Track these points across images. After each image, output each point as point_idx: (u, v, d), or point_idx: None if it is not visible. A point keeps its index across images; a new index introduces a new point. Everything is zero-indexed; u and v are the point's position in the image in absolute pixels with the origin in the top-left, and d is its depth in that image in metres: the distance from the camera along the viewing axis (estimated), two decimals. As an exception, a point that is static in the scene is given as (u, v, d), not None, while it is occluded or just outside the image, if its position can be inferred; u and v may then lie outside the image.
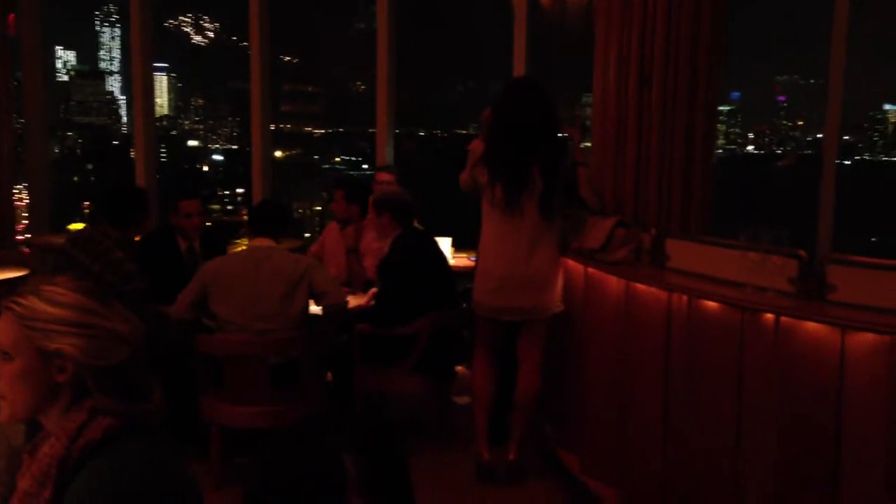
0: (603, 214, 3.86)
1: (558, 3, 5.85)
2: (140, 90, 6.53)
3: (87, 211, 6.75)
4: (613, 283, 3.47)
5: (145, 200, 4.41)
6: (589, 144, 4.28)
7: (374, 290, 4.51)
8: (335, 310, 3.89)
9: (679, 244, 3.41)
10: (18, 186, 7.26)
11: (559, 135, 3.87)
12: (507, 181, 3.75)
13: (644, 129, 3.89)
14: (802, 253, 2.79)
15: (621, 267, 3.51)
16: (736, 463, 2.87)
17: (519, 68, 5.55)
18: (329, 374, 4.40)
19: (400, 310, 4.12)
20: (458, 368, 4.71)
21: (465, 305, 4.39)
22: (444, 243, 5.30)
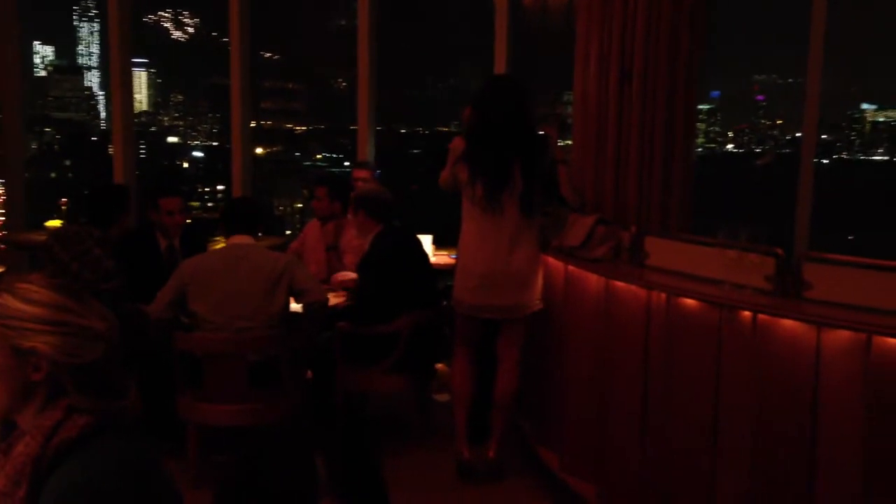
0: (583, 212, 3.87)
1: (539, 1, 5.86)
2: (118, 86, 6.47)
3: (64, 207, 6.69)
4: (593, 280, 3.49)
5: (127, 198, 4.38)
6: (569, 142, 4.29)
7: (344, 275, 4.53)
8: (316, 307, 3.88)
9: (658, 242, 3.42)
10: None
11: (539, 132, 3.88)
12: (488, 179, 3.75)
13: (624, 127, 3.91)
14: (779, 251, 2.81)
15: (601, 265, 3.53)
16: (713, 459, 2.89)
17: (500, 66, 5.55)
18: (309, 373, 4.39)
19: (381, 308, 4.12)
20: (439, 366, 4.71)
21: (445, 303, 4.39)
22: (425, 241, 5.29)
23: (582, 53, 4.08)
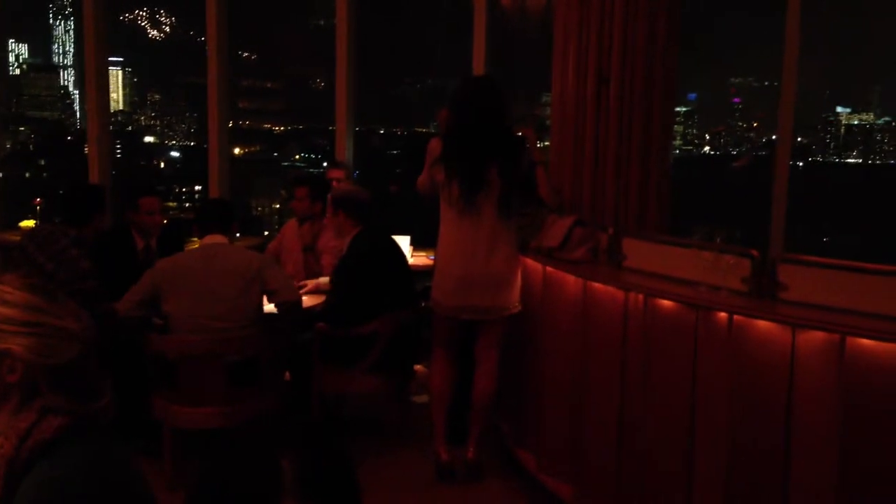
0: (561, 213, 3.89)
1: (518, 2, 5.87)
2: (94, 85, 6.42)
3: (38, 207, 6.62)
4: (571, 281, 3.50)
5: (102, 198, 4.35)
6: (547, 143, 4.31)
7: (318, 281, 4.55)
8: (287, 308, 3.86)
9: (636, 243, 3.44)
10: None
11: (517, 133, 3.88)
12: (464, 180, 3.75)
13: (602, 128, 3.93)
14: (755, 252, 2.83)
15: (579, 266, 3.54)
16: (690, 459, 2.91)
17: (478, 66, 5.56)
18: (287, 374, 4.37)
19: (359, 309, 4.11)
20: (417, 368, 4.71)
21: (424, 304, 4.39)
22: (403, 242, 5.29)
23: (560, 55, 4.09)
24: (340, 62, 5.99)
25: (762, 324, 2.63)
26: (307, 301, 4.33)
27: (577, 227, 3.69)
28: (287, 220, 5.46)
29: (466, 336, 3.96)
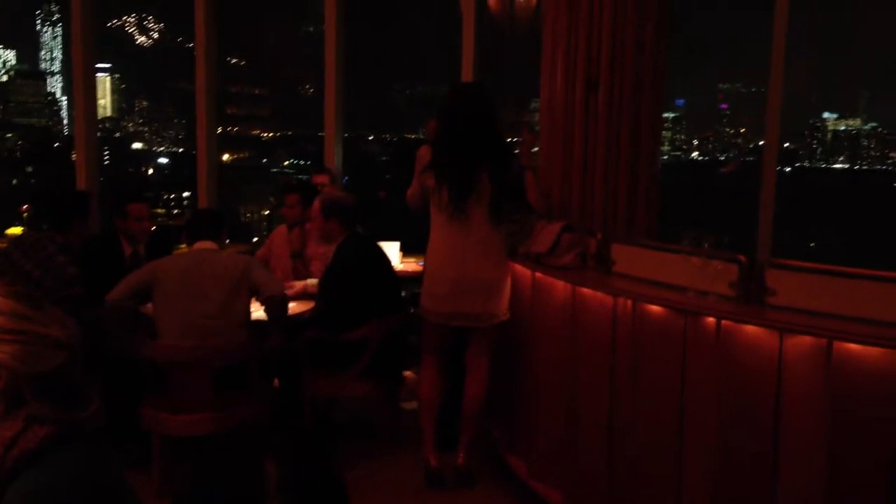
0: (550, 219, 3.89)
1: (506, 8, 5.89)
2: (82, 91, 6.39)
3: (25, 214, 6.59)
4: (560, 287, 3.50)
5: (87, 204, 4.35)
6: (535, 149, 4.31)
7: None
8: (273, 301, 3.85)
9: (624, 249, 3.45)
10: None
11: (507, 139, 3.89)
12: (453, 185, 3.75)
13: (590, 134, 3.94)
14: (742, 258, 2.84)
15: (568, 272, 3.54)
16: (679, 463, 2.92)
17: (467, 73, 5.57)
18: (276, 380, 4.35)
19: (348, 315, 4.10)
20: (407, 374, 4.70)
21: (413, 310, 4.38)
22: (393, 248, 5.29)
23: (548, 60, 4.10)
24: (329, 68, 5.99)
25: (750, 328, 2.64)
26: (295, 307, 4.31)
27: (565, 232, 3.69)
28: (276, 227, 5.45)
29: (456, 343, 3.96)
